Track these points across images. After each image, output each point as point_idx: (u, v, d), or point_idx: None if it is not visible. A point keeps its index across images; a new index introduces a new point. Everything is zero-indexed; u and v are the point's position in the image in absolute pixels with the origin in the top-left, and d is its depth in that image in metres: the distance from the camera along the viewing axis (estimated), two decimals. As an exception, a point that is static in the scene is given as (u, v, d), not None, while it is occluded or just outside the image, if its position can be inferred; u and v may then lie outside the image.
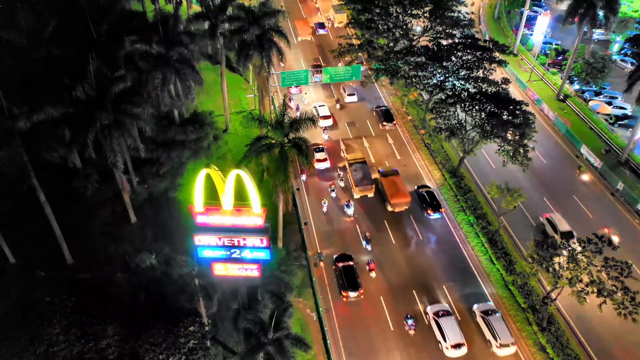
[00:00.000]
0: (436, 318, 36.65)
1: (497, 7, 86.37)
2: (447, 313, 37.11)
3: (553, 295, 36.07)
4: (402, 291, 40.09)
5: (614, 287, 32.67)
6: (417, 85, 53.39)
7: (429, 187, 48.90)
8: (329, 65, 66.24)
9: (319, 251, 42.96)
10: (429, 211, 46.23)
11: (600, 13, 58.04)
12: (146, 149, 45.12)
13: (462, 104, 46.84)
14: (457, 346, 35.05)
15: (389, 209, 46.81)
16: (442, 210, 46.72)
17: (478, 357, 35.81)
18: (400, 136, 57.21)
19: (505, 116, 44.61)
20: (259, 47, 46.77)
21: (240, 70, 61.20)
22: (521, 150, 44.36)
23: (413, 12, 58.77)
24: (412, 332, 37.04)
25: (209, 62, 60.21)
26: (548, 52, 74.26)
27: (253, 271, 30.50)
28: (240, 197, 28.61)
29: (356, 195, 47.63)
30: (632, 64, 66.78)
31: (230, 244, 29.31)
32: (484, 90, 48.76)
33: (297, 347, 29.76)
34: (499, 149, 45.57)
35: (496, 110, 44.95)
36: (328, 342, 36.00)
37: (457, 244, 44.44)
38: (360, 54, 62.36)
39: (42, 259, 39.50)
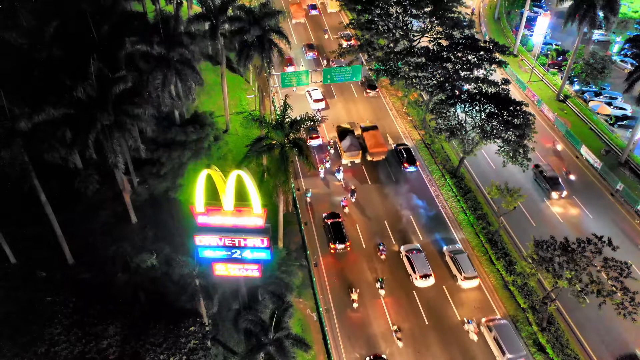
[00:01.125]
0: (408, 255, 40.94)
1: (497, 8, 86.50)
2: (418, 251, 41.34)
3: (553, 295, 36.16)
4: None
5: (613, 288, 32.77)
6: (417, 86, 53.48)
7: (406, 145, 54.23)
8: (327, 61, 66.91)
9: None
10: (405, 164, 51.57)
11: (600, 14, 58.15)
12: (147, 150, 45.24)
13: (462, 105, 46.93)
14: (425, 276, 39.55)
15: (369, 158, 52.37)
16: (417, 164, 51.87)
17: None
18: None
19: (505, 116, 44.67)
20: (259, 48, 46.88)
21: (240, 70, 61.19)
22: (521, 151, 44.46)
23: (413, 13, 58.89)
24: (383, 256, 42.15)
25: (210, 63, 60.22)
26: (548, 52, 74.36)
27: (254, 271, 30.60)
28: (241, 198, 28.70)
29: (344, 161, 51.98)
30: (632, 64, 66.83)
31: (231, 244, 29.41)
32: (484, 90, 48.84)
33: (298, 347, 29.85)
34: (499, 150, 45.66)
35: (496, 111, 45.00)
36: (328, 342, 36.07)
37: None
38: (360, 54, 62.54)
39: (43, 259, 39.51)
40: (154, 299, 35.39)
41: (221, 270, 30.74)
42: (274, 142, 37.89)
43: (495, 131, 44.69)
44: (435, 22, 58.14)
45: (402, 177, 51.03)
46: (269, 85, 53.33)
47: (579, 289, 33.16)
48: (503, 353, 34.33)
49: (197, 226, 29.05)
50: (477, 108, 45.94)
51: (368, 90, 62.77)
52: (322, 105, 60.03)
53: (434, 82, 52.07)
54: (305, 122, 38.13)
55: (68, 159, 37.68)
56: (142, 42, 43.48)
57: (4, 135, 32.77)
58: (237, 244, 29.36)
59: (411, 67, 53.25)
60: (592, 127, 58.65)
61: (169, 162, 48.33)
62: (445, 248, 42.96)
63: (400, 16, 58.74)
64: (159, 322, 32.29)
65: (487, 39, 66.74)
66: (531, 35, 74.92)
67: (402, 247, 42.51)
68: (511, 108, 45.17)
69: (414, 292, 39.73)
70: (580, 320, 37.73)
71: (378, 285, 39.68)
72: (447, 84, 51.31)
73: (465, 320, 37.57)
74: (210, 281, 32.46)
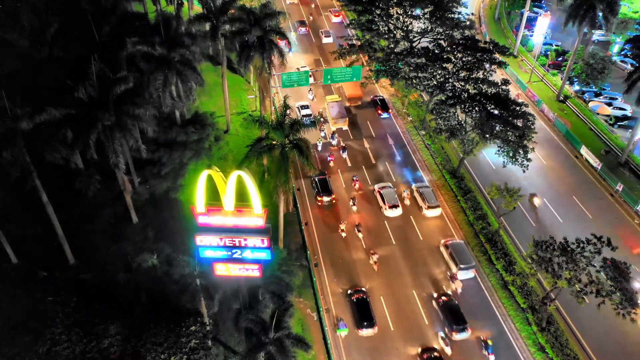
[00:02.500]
0: (380, 191, 47.18)
1: (497, 8, 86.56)
2: (389, 187, 48.03)
3: (552, 295, 36.26)
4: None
5: (612, 288, 32.86)
6: (418, 87, 53.58)
7: (381, 96, 62.26)
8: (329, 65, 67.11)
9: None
10: (379, 111, 59.16)
11: (600, 14, 58.17)
12: (148, 150, 45.39)
13: (462, 105, 47.00)
14: (393, 207, 46.17)
15: (347, 104, 60.82)
16: (390, 111, 59.69)
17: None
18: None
19: (504, 117, 44.72)
20: (259, 49, 46.98)
21: (241, 71, 61.45)
22: (521, 151, 44.54)
23: (413, 14, 58.99)
24: (357, 185, 49.20)
25: (210, 63, 60.48)
26: (548, 53, 74.41)
27: (254, 271, 30.72)
28: (242, 198, 28.83)
29: (332, 128, 57.07)
30: (632, 65, 66.91)
31: (232, 244, 29.53)
32: (484, 91, 48.88)
33: (298, 346, 29.95)
34: (498, 150, 45.73)
35: (496, 112, 45.09)
36: (328, 341, 36.22)
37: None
38: (360, 55, 62.64)
39: (44, 259, 39.65)
40: (154, 299, 35.50)
41: (222, 270, 30.86)
42: (274, 142, 38.01)
43: (495, 132, 44.76)
44: (436, 22, 58.17)
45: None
46: (269, 85, 53.45)
47: (578, 289, 33.26)
48: (456, 264, 40.59)
49: (197, 226, 29.18)
50: (476, 108, 46.01)
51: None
52: (311, 80, 63.67)
53: (434, 82, 52.17)
54: (305, 126, 38.25)
55: (69, 159, 37.78)
56: (143, 42, 43.59)
57: (6, 135, 32.90)
58: (237, 244, 29.48)
59: (411, 68, 53.36)
60: (592, 128, 58.74)
61: (169, 162, 48.45)
62: (413, 185, 49.31)
63: (401, 17, 58.87)
64: (160, 322, 32.39)
65: (487, 39, 66.81)
66: (531, 36, 74.96)
67: (375, 186, 48.87)
68: (511, 108, 45.25)
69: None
70: (580, 320, 37.85)
71: (351, 203, 47.07)
72: (447, 85, 51.38)
73: (402, 190, 47.80)
74: (211, 281, 32.55)
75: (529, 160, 44.83)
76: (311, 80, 58.72)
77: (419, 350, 35.65)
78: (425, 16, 59.08)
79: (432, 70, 52.08)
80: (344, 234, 44.25)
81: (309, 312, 38.65)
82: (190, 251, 33.92)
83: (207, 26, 50.47)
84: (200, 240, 29.47)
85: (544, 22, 68.59)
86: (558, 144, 56.66)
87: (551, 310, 37.36)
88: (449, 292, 39.85)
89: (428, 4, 58.93)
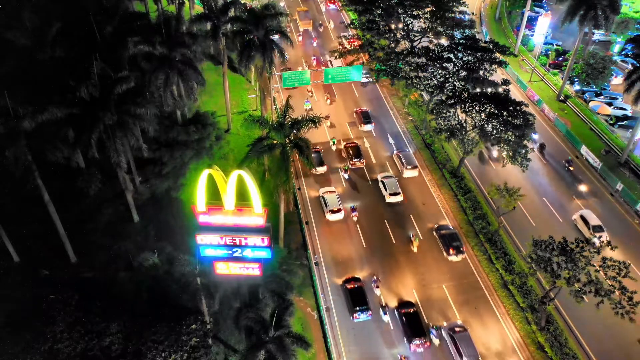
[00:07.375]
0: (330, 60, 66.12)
1: (498, 8, 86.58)
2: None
3: (551, 294, 36.37)
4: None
5: (611, 287, 32.96)
6: (418, 86, 53.65)
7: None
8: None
9: None
10: (327, 3, 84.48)
11: (600, 12, 58.15)
12: (149, 149, 45.62)
13: (462, 105, 47.07)
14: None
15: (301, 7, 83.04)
16: (336, 3, 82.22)
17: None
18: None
19: (504, 117, 44.80)
20: (260, 48, 47.11)
21: (242, 70, 61.57)
22: (522, 151, 44.61)
23: (414, 13, 59.07)
24: (315, 63, 66.17)
25: (211, 63, 60.57)
26: (549, 52, 74.43)
27: (254, 270, 30.95)
28: (242, 197, 29.01)
29: (301, 29, 75.75)
30: (632, 64, 66.90)
31: (232, 243, 29.77)
32: (483, 91, 48.91)
33: (298, 345, 30.09)
34: (498, 150, 45.78)
35: (496, 111, 45.16)
36: (328, 340, 36.37)
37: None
38: (361, 54, 62.76)
39: (46, 258, 39.89)
40: (156, 297, 35.70)
41: (222, 268, 31.10)
42: (275, 142, 38.15)
43: (495, 131, 44.85)
44: (436, 22, 58.28)
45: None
46: (270, 85, 53.59)
47: (577, 289, 33.37)
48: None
49: (198, 225, 29.41)
50: (476, 108, 46.08)
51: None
52: None
53: (434, 82, 52.25)
54: (305, 124, 38.38)
55: (71, 159, 38.03)
56: (144, 42, 43.79)
57: (8, 134, 33.11)
58: (238, 243, 29.72)
59: (412, 68, 53.43)
60: (593, 127, 58.80)
61: (170, 161, 48.62)
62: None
63: (401, 17, 58.93)
64: (161, 320, 32.55)
65: (487, 39, 66.86)
66: (532, 35, 74.98)
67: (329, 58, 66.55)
68: (511, 108, 45.31)
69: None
70: (579, 320, 37.96)
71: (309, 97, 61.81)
72: (447, 84, 51.45)
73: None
74: (212, 280, 32.78)
75: (528, 160, 44.90)
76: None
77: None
78: (426, 16, 59.14)
79: (432, 70, 52.14)
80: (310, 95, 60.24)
81: (309, 311, 38.80)
82: (191, 250, 34.15)
83: (208, 26, 50.63)
84: (201, 239, 29.69)
85: (544, 22, 68.64)
86: (558, 144, 56.74)
87: (550, 310, 37.47)
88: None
89: (428, 3, 58.99)
